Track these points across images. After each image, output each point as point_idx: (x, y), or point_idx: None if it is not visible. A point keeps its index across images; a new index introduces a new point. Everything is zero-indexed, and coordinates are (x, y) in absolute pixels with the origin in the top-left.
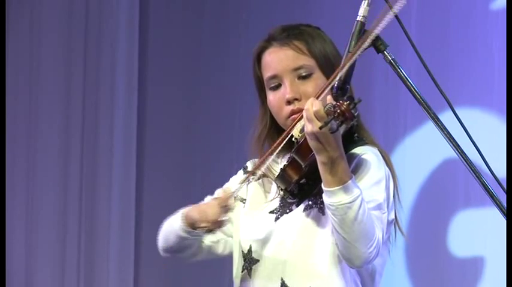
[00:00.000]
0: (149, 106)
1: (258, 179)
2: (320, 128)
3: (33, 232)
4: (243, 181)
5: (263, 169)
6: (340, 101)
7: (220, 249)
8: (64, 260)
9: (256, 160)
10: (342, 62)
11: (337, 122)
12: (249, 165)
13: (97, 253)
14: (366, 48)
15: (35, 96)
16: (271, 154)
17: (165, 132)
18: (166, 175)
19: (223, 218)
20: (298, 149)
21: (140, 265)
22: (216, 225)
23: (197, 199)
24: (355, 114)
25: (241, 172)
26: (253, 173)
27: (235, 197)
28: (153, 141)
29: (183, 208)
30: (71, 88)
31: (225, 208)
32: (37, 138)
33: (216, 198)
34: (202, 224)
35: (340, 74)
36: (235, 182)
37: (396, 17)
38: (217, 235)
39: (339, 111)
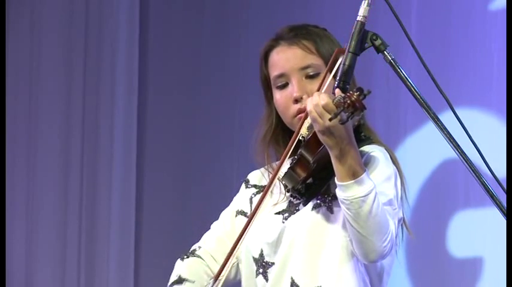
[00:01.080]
0: (149, 106)
1: (263, 190)
2: (330, 119)
3: (33, 232)
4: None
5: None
6: (350, 92)
7: (232, 275)
8: (64, 260)
9: (258, 171)
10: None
11: (347, 113)
12: (250, 178)
13: (97, 253)
14: (366, 48)
15: (35, 96)
16: (282, 162)
17: (165, 133)
18: (166, 175)
19: None
20: (306, 144)
21: (140, 265)
22: None
23: (197, 199)
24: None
25: (243, 187)
26: (267, 190)
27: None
28: (153, 141)
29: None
30: (71, 88)
31: None
32: (37, 138)
33: None
34: None
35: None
36: (238, 200)
37: (396, 17)
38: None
39: (349, 101)
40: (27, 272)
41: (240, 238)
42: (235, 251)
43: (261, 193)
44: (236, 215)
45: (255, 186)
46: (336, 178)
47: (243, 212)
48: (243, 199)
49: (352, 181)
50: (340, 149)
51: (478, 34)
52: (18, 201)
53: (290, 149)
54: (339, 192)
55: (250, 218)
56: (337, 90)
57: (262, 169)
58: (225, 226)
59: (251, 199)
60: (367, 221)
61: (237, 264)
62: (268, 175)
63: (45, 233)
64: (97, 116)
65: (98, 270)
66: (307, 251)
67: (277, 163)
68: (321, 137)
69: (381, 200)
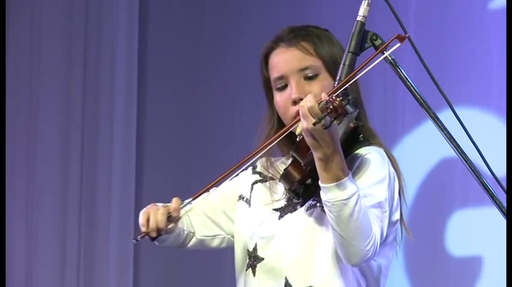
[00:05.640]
0: (149, 106)
1: (265, 181)
2: (314, 124)
3: (33, 232)
4: (202, 192)
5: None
6: (333, 97)
7: (214, 243)
8: (64, 260)
9: (264, 159)
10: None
11: (331, 118)
12: (258, 164)
13: (97, 253)
14: (366, 48)
15: (35, 96)
16: (264, 148)
17: (165, 132)
18: (166, 175)
19: (164, 227)
20: (297, 147)
21: (140, 265)
22: (154, 233)
23: None
24: (351, 111)
25: (249, 170)
26: (238, 166)
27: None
28: (152, 141)
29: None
30: (71, 88)
31: (170, 219)
32: (37, 138)
33: (166, 206)
34: (143, 229)
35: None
36: (242, 182)
37: (396, 16)
38: (214, 231)
39: (331, 107)
40: (27, 272)
41: (203, 193)
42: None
43: (263, 182)
44: (238, 200)
45: (259, 174)
46: (319, 180)
47: (245, 197)
48: (246, 182)
49: (333, 184)
50: (323, 152)
51: (477, 33)
52: (18, 201)
53: (270, 142)
54: (321, 193)
55: (214, 183)
56: (323, 95)
57: (269, 162)
58: (220, 196)
59: (252, 185)
60: (349, 224)
61: (224, 237)
62: (268, 172)
63: (45, 233)
64: (97, 116)
65: (98, 270)
66: (301, 251)
67: (277, 158)
68: (305, 137)
69: (368, 202)
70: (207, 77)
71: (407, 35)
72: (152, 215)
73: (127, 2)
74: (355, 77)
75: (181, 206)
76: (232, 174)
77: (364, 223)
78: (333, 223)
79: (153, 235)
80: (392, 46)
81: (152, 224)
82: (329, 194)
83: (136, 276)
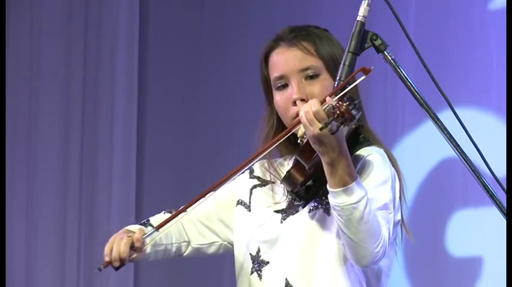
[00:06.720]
0: (149, 106)
1: (264, 185)
2: (320, 129)
3: (33, 232)
4: (167, 221)
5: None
6: (340, 102)
7: (211, 250)
8: (64, 260)
9: (264, 163)
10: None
11: (337, 123)
12: (255, 169)
13: (97, 253)
14: (366, 48)
15: (35, 96)
16: (263, 152)
17: (165, 133)
18: (166, 174)
19: (126, 257)
20: (302, 150)
21: (140, 265)
22: (117, 263)
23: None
24: (356, 115)
25: (247, 175)
26: (239, 170)
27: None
28: (153, 141)
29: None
30: (71, 88)
31: (133, 249)
32: (37, 138)
33: (130, 236)
34: (106, 258)
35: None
36: (239, 187)
37: (396, 16)
38: (210, 238)
39: (338, 112)
40: (27, 271)
41: (193, 203)
42: (179, 217)
43: (262, 186)
44: (237, 205)
45: (258, 178)
46: (327, 184)
47: (244, 202)
48: (243, 187)
49: (342, 189)
50: (330, 157)
51: (477, 33)
52: (18, 201)
53: (269, 145)
54: (330, 198)
55: (210, 189)
56: (328, 98)
57: (267, 165)
58: (216, 203)
59: (251, 189)
60: (359, 227)
61: (220, 244)
62: (270, 174)
63: (45, 233)
64: (97, 116)
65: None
66: (303, 252)
67: (275, 159)
68: (311, 142)
69: (375, 205)
70: (207, 77)
71: (371, 68)
72: (115, 245)
73: (127, 2)
74: (346, 89)
75: (145, 236)
76: (227, 182)
77: (374, 225)
78: (343, 226)
79: (116, 265)
80: (359, 78)
81: (115, 254)
82: (338, 198)
83: (136, 276)
